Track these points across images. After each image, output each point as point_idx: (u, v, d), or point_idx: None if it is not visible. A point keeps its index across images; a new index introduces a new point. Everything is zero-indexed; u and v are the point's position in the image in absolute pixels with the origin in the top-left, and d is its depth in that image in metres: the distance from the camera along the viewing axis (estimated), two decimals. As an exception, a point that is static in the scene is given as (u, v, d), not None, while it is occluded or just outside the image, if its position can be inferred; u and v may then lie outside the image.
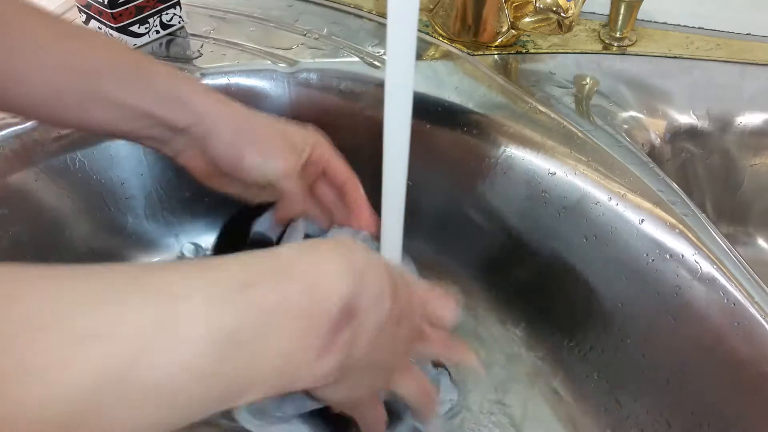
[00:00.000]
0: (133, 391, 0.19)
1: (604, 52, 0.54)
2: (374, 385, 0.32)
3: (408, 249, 0.55)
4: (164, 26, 0.54)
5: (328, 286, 0.25)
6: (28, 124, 0.46)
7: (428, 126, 0.50)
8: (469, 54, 0.53)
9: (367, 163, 0.54)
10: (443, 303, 0.33)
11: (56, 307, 0.18)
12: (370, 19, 0.57)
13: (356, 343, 0.26)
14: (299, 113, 0.52)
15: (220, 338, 0.21)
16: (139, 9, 0.51)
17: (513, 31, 0.52)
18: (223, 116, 0.37)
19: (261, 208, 0.43)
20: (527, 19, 0.49)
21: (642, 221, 0.40)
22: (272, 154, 0.38)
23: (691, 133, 0.50)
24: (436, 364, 0.43)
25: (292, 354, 0.23)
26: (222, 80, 0.51)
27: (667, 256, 0.39)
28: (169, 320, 0.20)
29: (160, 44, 0.53)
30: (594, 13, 0.58)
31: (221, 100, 0.38)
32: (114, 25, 0.50)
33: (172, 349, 0.19)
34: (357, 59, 0.52)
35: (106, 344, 0.18)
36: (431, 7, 0.55)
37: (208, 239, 0.55)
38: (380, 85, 0.50)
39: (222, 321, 0.21)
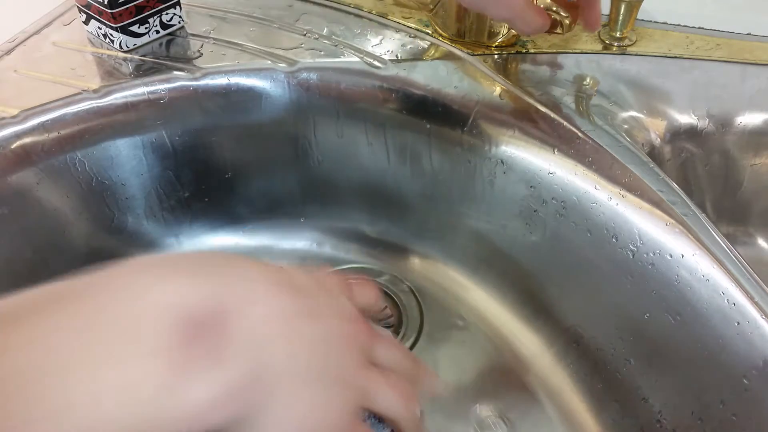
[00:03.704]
0: None
1: (604, 52, 0.54)
2: (335, 405, 0.23)
3: (408, 248, 0.56)
4: (164, 26, 0.54)
5: (151, 299, 0.20)
6: (28, 124, 0.46)
7: (428, 126, 0.50)
8: (469, 54, 0.53)
9: (366, 162, 0.54)
10: (363, 290, 0.29)
11: None
12: (370, 19, 0.57)
13: (235, 351, 0.20)
14: (299, 113, 0.52)
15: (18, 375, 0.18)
16: (139, 9, 0.51)
17: (513, 31, 0.52)
18: None
19: None
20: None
21: (642, 221, 0.40)
22: None
23: (691, 133, 0.50)
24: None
25: (133, 384, 0.19)
26: (222, 80, 0.51)
27: (668, 256, 0.39)
28: None
29: (160, 44, 0.53)
30: (594, 13, 0.57)
31: None
32: (114, 25, 0.50)
33: None
34: (357, 59, 0.52)
35: None
36: (431, 7, 0.55)
37: (207, 240, 0.56)
38: (380, 85, 0.51)
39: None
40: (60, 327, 0.19)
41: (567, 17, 0.47)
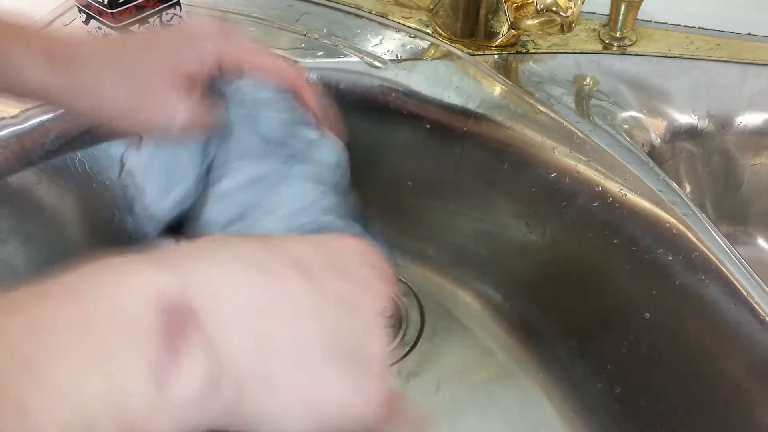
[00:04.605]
0: None
1: (604, 52, 0.54)
2: (348, 384, 0.22)
3: (409, 248, 0.56)
4: (164, 26, 0.54)
5: (132, 293, 0.20)
6: (28, 123, 0.46)
7: (428, 126, 0.50)
8: (469, 54, 0.53)
9: (365, 163, 0.54)
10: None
11: None
12: (370, 19, 0.57)
13: (222, 344, 0.20)
14: (299, 113, 0.52)
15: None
16: (139, 9, 0.51)
17: (513, 31, 0.52)
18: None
19: None
20: (531, 21, 0.49)
21: (642, 221, 0.40)
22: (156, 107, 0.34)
23: (691, 133, 0.50)
24: None
25: (121, 380, 0.19)
26: (222, 80, 0.50)
27: (668, 256, 0.39)
28: None
29: (160, 44, 0.53)
30: (594, 13, 0.57)
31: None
32: (114, 25, 0.50)
33: None
34: (357, 59, 0.52)
35: None
36: (431, 7, 0.55)
37: (208, 239, 0.55)
38: (380, 85, 0.51)
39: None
40: (51, 319, 0.19)
41: (567, 17, 0.47)
